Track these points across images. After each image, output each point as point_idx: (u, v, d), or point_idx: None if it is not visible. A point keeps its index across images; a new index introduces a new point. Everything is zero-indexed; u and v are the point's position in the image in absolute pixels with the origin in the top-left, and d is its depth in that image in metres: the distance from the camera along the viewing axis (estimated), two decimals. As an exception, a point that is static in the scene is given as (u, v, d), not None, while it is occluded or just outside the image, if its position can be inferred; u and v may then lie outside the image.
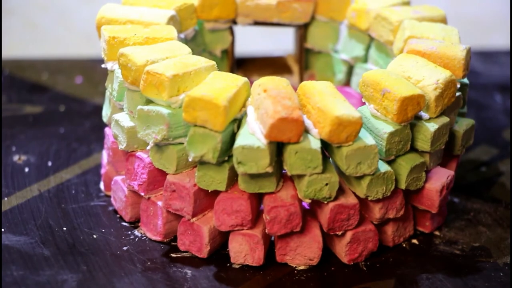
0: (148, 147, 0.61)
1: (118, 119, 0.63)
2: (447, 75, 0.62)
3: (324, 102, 0.58)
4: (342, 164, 0.59)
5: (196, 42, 0.73)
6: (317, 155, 0.57)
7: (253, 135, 0.58)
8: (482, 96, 0.91)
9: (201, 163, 0.59)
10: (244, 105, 0.60)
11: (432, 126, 0.62)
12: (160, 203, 0.63)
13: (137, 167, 0.62)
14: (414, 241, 0.66)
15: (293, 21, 0.74)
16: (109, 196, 0.69)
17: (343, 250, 0.62)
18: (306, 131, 0.58)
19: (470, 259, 0.64)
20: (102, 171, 0.69)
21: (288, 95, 0.58)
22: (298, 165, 0.58)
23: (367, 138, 0.59)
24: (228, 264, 0.62)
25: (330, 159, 0.61)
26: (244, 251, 0.61)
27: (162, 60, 0.61)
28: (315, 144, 0.57)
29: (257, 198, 0.61)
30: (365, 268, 0.62)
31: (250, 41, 1.01)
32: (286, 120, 0.56)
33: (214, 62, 0.61)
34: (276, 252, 0.62)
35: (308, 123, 0.58)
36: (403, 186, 0.62)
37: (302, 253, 0.62)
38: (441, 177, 0.65)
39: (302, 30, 0.76)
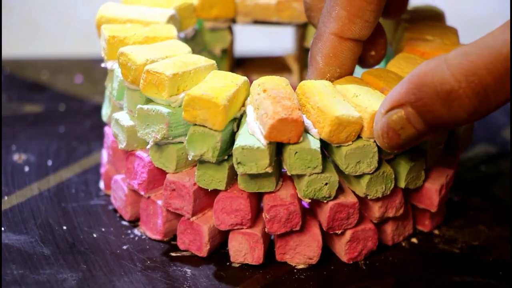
0: (148, 146, 0.61)
1: (118, 118, 0.63)
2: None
3: (323, 102, 0.58)
4: (341, 163, 0.59)
5: (196, 41, 0.73)
6: (316, 155, 0.57)
7: (252, 136, 0.58)
8: (482, 95, 0.91)
9: (200, 162, 0.60)
10: (243, 104, 0.60)
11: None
12: (160, 202, 0.63)
13: (137, 166, 0.63)
14: (414, 240, 0.66)
15: (293, 20, 0.74)
16: (109, 195, 0.69)
17: (342, 249, 0.62)
18: (306, 131, 0.58)
19: (469, 257, 0.64)
20: (102, 170, 0.69)
21: (288, 95, 0.58)
22: (298, 165, 0.58)
23: (366, 137, 0.59)
24: (228, 263, 0.62)
25: (330, 158, 0.61)
26: (243, 250, 0.61)
27: (162, 59, 0.61)
28: (315, 144, 0.58)
29: (257, 197, 0.61)
30: (364, 267, 0.62)
31: (250, 40, 1.01)
32: (286, 121, 0.56)
33: (213, 61, 0.62)
34: (276, 251, 0.62)
35: (308, 122, 0.58)
36: (402, 185, 0.62)
37: (301, 252, 0.62)
38: (441, 176, 0.65)
39: (302, 29, 0.76)
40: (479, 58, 0.51)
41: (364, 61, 0.64)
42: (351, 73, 0.62)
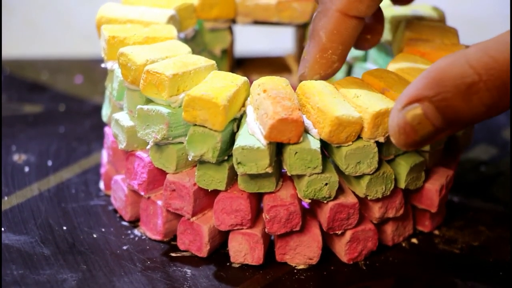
0: (148, 147, 0.61)
1: (118, 119, 0.63)
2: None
3: (323, 102, 0.58)
4: (342, 164, 0.59)
5: (196, 42, 0.73)
6: (316, 155, 0.57)
7: (253, 136, 0.58)
8: (482, 95, 0.91)
9: (200, 162, 0.60)
10: (243, 105, 0.60)
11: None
12: (160, 203, 0.63)
13: (137, 167, 0.63)
14: (414, 240, 0.66)
15: (293, 20, 0.74)
16: (109, 196, 0.69)
17: (342, 249, 0.62)
18: (306, 131, 0.58)
19: (469, 258, 0.64)
20: (102, 170, 0.69)
21: (288, 95, 0.58)
22: (298, 165, 0.58)
23: (366, 138, 0.59)
24: (228, 263, 0.62)
25: (330, 158, 0.61)
26: (243, 250, 0.61)
27: (162, 59, 0.61)
28: (315, 145, 0.58)
29: (257, 198, 0.61)
30: (364, 268, 0.62)
31: (250, 40, 1.01)
32: (286, 121, 0.56)
33: (214, 62, 0.62)
34: (276, 251, 0.62)
35: (308, 123, 0.58)
36: (402, 185, 0.62)
37: (301, 252, 0.62)
38: (441, 176, 0.65)
39: (302, 30, 0.76)
40: (498, 53, 0.51)
41: (359, 44, 0.64)
42: (349, 50, 0.62)
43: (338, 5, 0.60)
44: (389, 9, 0.71)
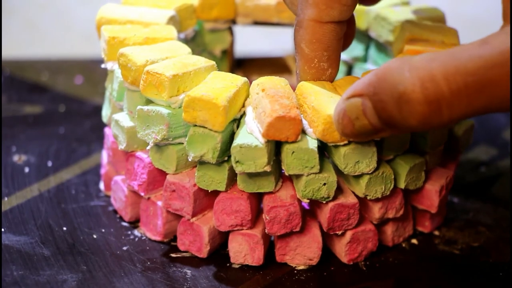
0: (148, 147, 0.61)
1: (118, 119, 0.63)
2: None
3: (318, 101, 0.58)
4: (340, 163, 0.59)
5: (196, 42, 0.73)
6: (313, 155, 0.57)
7: (251, 134, 0.58)
8: (482, 96, 0.91)
9: (200, 163, 0.60)
10: (243, 105, 0.60)
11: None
12: (160, 203, 0.63)
13: (137, 167, 0.63)
14: (414, 241, 0.66)
15: (293, 21, 0.74)
16: (109, 196, 0.69)
17: (342, 250, 0.62)
18: (304, 131, 0.58)
19: (469, 259, 0.64)
20: (102, 171, 0.69)
21: (286, 94, 0.58)
22: (295, 165, 0.58)
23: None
24: (228, 264, 0.62)
25: (330, 159, 0.61)
26: (243, 251, 0.61)
27: (162, 60, 0.61)
28: (312, 144, 0.57)
29: (257, 198, 0.61)
30: (364, 268, 0.62)
31: (250, 41, 1.01)
32: (283, 119, 0.56)
33: (214, 62, 0.62)
34: (276, 252, 0.62)
35: (305, 122, 0.58)
36: (402, 185, 0.62)
37: (301, 253, 0.62)
38: (441, 177, 0.65)
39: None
40: (441, 66, 0.49)
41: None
42: (339, 53, 0.61)
43: (309, 15, 0.59)
44: (389, 10, 0.71)
